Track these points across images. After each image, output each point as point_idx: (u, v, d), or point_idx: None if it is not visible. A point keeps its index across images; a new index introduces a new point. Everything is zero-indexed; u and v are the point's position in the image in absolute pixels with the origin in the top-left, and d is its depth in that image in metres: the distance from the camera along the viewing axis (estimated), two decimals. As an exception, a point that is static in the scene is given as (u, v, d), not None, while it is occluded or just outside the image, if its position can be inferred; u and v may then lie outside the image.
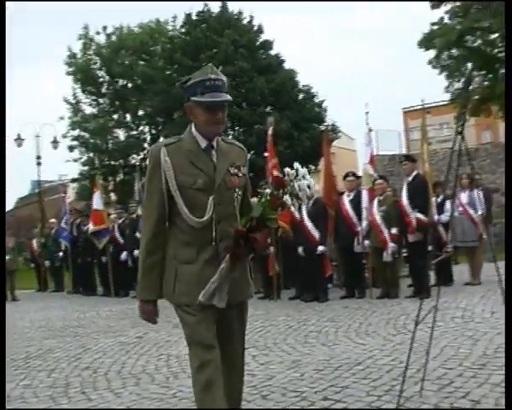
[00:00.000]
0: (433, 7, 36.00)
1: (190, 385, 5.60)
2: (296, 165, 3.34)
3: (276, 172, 11.14)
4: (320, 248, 10.65)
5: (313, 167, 31.52)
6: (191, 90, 3.29)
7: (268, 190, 3.37)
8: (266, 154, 12.00)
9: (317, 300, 10.65)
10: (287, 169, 3.36)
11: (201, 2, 35.27)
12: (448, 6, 35.66)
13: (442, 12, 35.85)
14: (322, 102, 32.96)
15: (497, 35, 35.93)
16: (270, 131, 11.62)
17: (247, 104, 30.78)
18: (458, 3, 35.21)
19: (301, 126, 30.18)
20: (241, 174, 3.48)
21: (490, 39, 36.27)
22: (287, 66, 32.87)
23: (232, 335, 3.50)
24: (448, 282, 10.95)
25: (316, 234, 10.68)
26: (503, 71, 35.66)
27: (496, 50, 36.82)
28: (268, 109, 31.10)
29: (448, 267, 11.27)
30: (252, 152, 29.94)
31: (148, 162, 3.44)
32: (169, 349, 7.50)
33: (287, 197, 3.30)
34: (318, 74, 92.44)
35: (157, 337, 8.34)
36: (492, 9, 33.20)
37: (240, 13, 33.45)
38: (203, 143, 3.37)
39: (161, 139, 34.42)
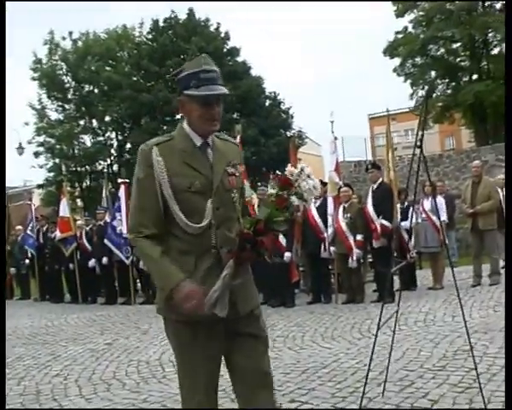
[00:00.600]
0: (397, 15, 36.62)
1: (161, 390, 5.81)
2: (301, 164, 3.10)
3: (245, 181, 11.25)
4: (287, 254, 10.81)
5: (280, 174, 31.82)
6: (184, 82, 2.99)
7: (273, 191, 3.07)
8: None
9: (283, 305, 10.82)
10: (290, 168, 3.09)
11: (168, 9, 35.43)
12: (412, 15, 36.32)
13: (406, 21, 36.52)
14: (289, 108, 33.31)
15: (459, 44, 36.70)
16: (237, 139, 11.76)
17: (215, 111, 30.93)
18: (422, 13, 35.87)
19: (268, 133, 30.48)
20: (238, 174, 3.15)
21: (453, 48, 37.01)
22: (254, 73, 33.21)
23: (251, 348, 3.07)
24: (412, 287, 11.22)
25: (283, 241, 10.86)
26: (466, 79, 36.44)
27: (458, 59, 37.58)
28: (235, 116, 31.32)
29: (412, 272, 11.55)
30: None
31: (137, 164, 3.04)
32: (138, 355, 7.62)
33: (293, 198, 3.03)
34: (285, 81, 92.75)
35: (126, 344, 8.45)
36: (455, 19, 33.89)
37: (207, 20, 33.72)
38: (198, 142, 3.05)
39: (128, 145, 34.45)
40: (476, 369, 4.46)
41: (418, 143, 4.61)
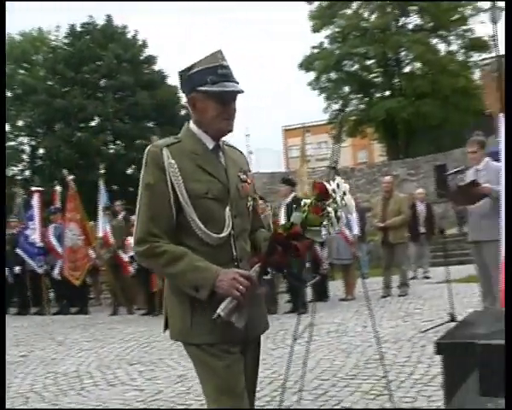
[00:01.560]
0: (314, 30, 37.39)
1: (81, 401, 5.80)
2: (338, 179, 2.78)
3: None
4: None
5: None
6: (198, 78, 2.71)
7: (307, 201, 2.76)
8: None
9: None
10: (324, 183, 2.77)
11: (86, 15, 35.00)
12: (328, 31, 37.19)
13: (322, 36, 37.35)
14: (204, 119, 33.30)
15: (373, 61, 37.82)
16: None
17: (130, 118, 30.74)
18: (338, 29, 36.78)
19: (183, 143, 30.41)
20: (249, 181, 2.93)
21: (366, 65, 38.12)
22: (170, 82, 33.13)
23: (252, 371, 2.90)
24: (324, 298, 11.51)
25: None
26: (379, 95, 37.53)
27: (372, 75, 38.70)
28: (151, 124, 31.19)
29: (324, 284, 11.84)
30: (133, 167, 29.95)
31: (145, 167, 2.71)
32: (55, 367, 7.56)
33: (330, 209, 2.72)
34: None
35: (43, 355, 8.36)
36: (369, 37, 34.92)
37: (124, 27, 33.42)
38: (210, 144, 2.80)
39: (41, 151, 33.67)
40: (387, 377, 4.71)
41: (333, 165, 4.81)
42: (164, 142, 2.75)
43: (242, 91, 2.77)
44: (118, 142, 31.14)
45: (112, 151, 30.00)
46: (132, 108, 30.27)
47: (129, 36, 33.30)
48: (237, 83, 2.76)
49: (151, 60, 33.14)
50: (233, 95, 2.76)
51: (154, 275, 11.54)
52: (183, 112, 32.91)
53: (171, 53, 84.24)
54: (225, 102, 2.73)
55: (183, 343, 2.73)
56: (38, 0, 52.59)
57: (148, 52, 33.30)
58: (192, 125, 2.82)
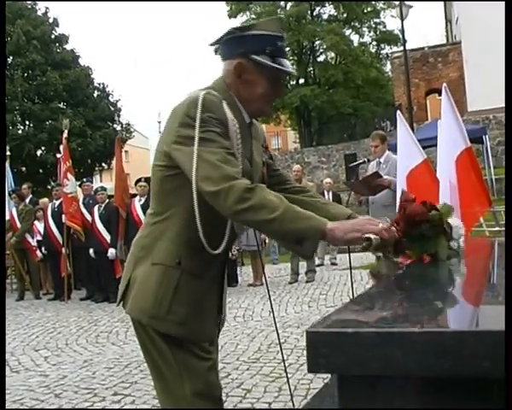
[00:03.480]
0: (230, 16, 37.53)
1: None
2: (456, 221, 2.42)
3: (70, 175, 11.24)
4: (111, 250, 10.87)
5: (106, 166, 31.61)
6: (254, 44, 2.28)
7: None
8: (59, 155, 11.98)
9: (107, 301, 10.87)
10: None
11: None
12: (244, 17, 37.39)
13: (239, 22, 37.46)
14: (118, 101, 32.96)
15: (288, 49, 38.22)
16: (65, 134, 11.65)
17: (39, 99, 29.99)
18: (254, 15, 37.02)
19: (95, 125, 29.96)
20: (264, 160, 2.55)
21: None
22: (82, 62, 32.48)
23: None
24: (233, 283, 11.70)
25: (107, 237, 10.92)
26: (293, 83, 38.04)
27: (285, 63, 39.17)
28: (61, 105, 30.51)
29: (233, 269, 12.04)
30: (43, 148, 29.28)
31: (199, 117, 2.15)
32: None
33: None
34: (115, 74, 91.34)
35: None
36: (285, 25, 35.29)
37: (34, 3, 32.44)
38: (247, 119, 2.39)
39: None
40: (284, 361, 4.90)
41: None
42: (216, 93, 2.26)
43: (295, 73, 2.30)
44: (26, 122, 30.32)
45: (20, 132, 29.21)
46: (42, 87, 29.49)
47: (39, 13, 32.36)
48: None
49: (63, 39, 32.27)
50: (286, 75, 2.45)
51: (63, 259, 11.46)
52: (95, 93, 32.39)
53: (84, 33, 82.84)
54: (276, 82, 2.36)
55: (147, 327, 2.30)
56: None
57: (59, 31, 32.51)
58: (228, 89, 2.35)
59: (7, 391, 5.50)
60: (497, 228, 7.63)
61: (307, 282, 11.41)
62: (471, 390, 1.12)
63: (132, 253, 2.42)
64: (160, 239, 2.31)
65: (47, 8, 32.54)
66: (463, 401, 1.14)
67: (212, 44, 2.50)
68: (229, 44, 2.33)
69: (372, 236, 2.04)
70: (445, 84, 5.92)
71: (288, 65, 2.35)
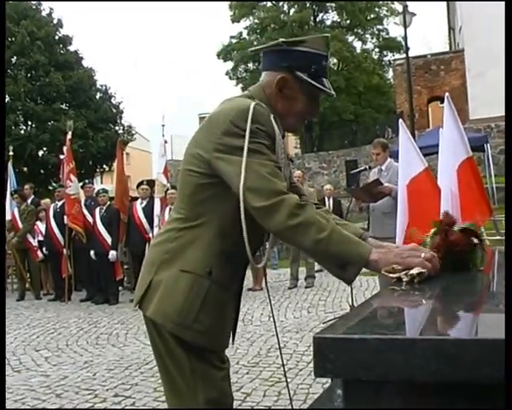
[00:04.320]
0: (233, 21, 37.63)
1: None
2: None
3: (73, 177, 11.28)
4: (112, 252, 10.90)
5: (107, 168, 31.68)
6: (301, 60, 2.28)
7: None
8: (62, 156, 12.02)
9: (107, 302, 10.92)
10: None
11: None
12: (248, 22, 37.51)
13: (242, 27, 37.66)
14: (120, 103, 33.03)
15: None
16: (68, 136, 11.70)
17: (42, 99, 30.05)
18: (257, 20, 37.15)
19: (97, 126, 30.04)
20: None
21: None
22: (86, 63, 32.55)
23: None
24: (233, 287, 11.74)
25: (108, 239, 10.96)
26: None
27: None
28: (64, 106, 30.57)
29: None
30: (45, 149, 29.33)
31: (249, 126, 2.13)
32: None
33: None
34: (117, 75, 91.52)
35: None
36: (288, 30, 35.41)
37: (39, 4, 32.50)
38: (281, 130, 2.34)
39: None
40: (283, 365, 4.95)
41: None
42: (265, 106, 2.25)
43: (334, 95, 2.46)
44: (29, 123, 30.36)
45: (22, 132, 29.25)
46: (45, 88, 29.56)
47: (43, 14, 32.42)
48: None
49: (66, 40, 32.31)
50: (323, 95, 2.42)
51: (64, 260, 11.50)
52: (98, 95, 32.45)
53: (88, 34, 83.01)
54: (314, 101, 2.38)
55: (162, 331, 2.27)
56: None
57: (63, 32, 32.57)
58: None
59: (8, 390, 5.54)
60: (497, 237, 7.65)
61: (306, 287, 11.47)
62: (471, 396, 1.17)
63: (153, 255, 2.37)
64: (191, 247, 2.27)
65: (51, 8, 32.62)
66: (464, 406, 1.18)
67: (253, 51, 2.49)
68: (275, 56, 2.33)
69: (415, 271, 2.00)
70: (447, 94, 5.95)
71: (329, 85, 2.37)
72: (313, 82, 2.28)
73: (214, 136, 2.19)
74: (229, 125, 2.16)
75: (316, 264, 13.54)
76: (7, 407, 5.04)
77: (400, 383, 1.21)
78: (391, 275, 2.12)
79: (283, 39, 2.32)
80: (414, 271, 2.01)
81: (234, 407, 4.63)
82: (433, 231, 2.39)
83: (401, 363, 1.17)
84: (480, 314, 1.58)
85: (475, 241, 2.40)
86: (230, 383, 2.42)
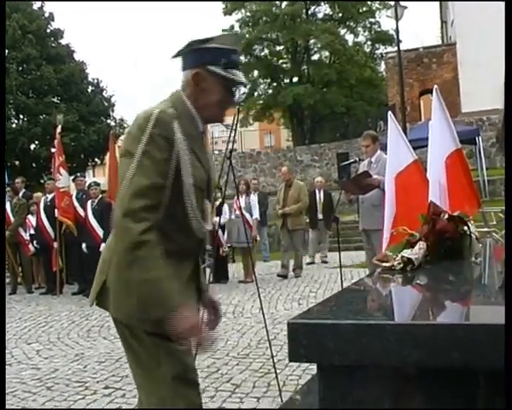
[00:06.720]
0: (225, 13, 37.52)
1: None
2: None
3: (62, 170, 11.27)
4: (103, 245, 10.87)
5: (99, 161, 31.63)
6: (211, 56, 2.48)
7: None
8: (53, 150, 12.00)
9: (100, 295, 10.89)
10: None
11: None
12: (239, 15, 37.41)
13: (233, 20, 37.55)
14: (111, 96, 32.97)
15: (282, 47, 38.36)
16: (58, 129, 11.67)
17: (34, 93, 29.97)
18: (249, 14, 37.06)
19: (88, 120, 30.00)
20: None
21: (276, 50, 38.60)
22: (77, 57, 32.46)
23: None
24: (223, 279, 11.77)
25: (100, 232, 10.95)
26: (287, 81, 38.13)
27: (281, 61, 39.24)
28: (55, 100, 30.50)
29: (224, 266, 12.11)
30: (36, 142, 29.26)
31: (150, 136, 2.31)
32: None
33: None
34: (109, 68, 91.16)
35: None
36: (280, 23, 35.38)
37: (30, -3, 32.35)
38: (200, 127, 2.56)
39: None
40: (273, 357, 4.99)
41: (228, 155, 5.03)
42: (171, 111, 2.41)
43: (247, 84, 2.54)
44: (20, 116, 30.27)
45: (14, 126, 29.17)
46: (37, 82, 29.49)
47: (34, 7, 32.30)
48: None
49: (58, 33, 32.22)
50: (238, 85, 2.58)
51: (54, 254, 11.50)
52: (89, 88, 32.38)
53: (79, 28, 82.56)
54: (229, 91, 2.55)
55: (133, 328, 2.40)
56: None
57: (54, 25, 32.45)
58: (187, 101, 2.51)
59: None
60: (485, 229, 7.70)
61: (296, 277, 11.58)
62: (445, 380, 1.19)
63: (106, 255, 2.56)
64: None
65: (43, 2, 32.49)
66: (437, 390, 1.21)
67: (174, 57, 2.61)
68: (188, 56, 2.53)
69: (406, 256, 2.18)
70: (436, 86, 5.98)
71: (240, 76, 2.53)
72: (224, 73, 2.47)
73: (124, 139, 2.45)
74: (131, 131, 2.40)
75: (306, 256, 13.66)
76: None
77: (376, 368, 1.24)
78: (384, 264, 2.18)
79: (194, 39, 2.51)
80: (405, 256, 2.10)
81: (223, 397, 4.68)
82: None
83: (376, 348, 1.19)
84: (461, 302, 1.61)
85: (465, 228, 2.46)
86: (193, 357, 2.54)
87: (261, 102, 38.20)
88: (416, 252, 2.26)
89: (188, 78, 2.51)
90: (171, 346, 2.34)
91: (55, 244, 11.43)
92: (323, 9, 38.56)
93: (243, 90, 38.41)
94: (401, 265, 2.14)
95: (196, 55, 2.50)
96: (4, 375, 5.67)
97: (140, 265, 2.23)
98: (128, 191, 2.26)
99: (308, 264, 13.76)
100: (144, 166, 2.28)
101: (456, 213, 2.72)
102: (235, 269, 13.17)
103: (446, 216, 2.66)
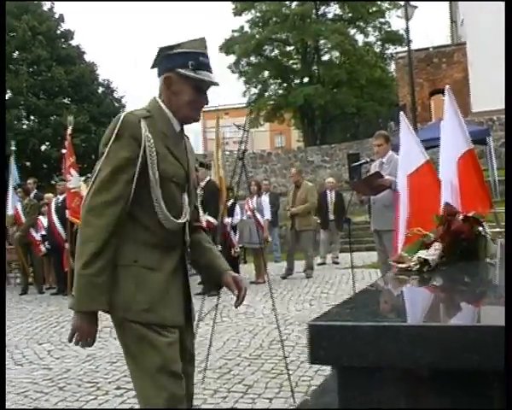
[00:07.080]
0: (235, 14, 37.54)
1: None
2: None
3: (73, 171, 11.28)
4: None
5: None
6: (179, 60, 2.66)
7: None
8: (64, 151, 12.01)
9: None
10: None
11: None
12: (249, 15, 37.42)
13: (243, 20, 37.56)
14: (122, 97, 33.06)
15: (292, 47, 38.35)
16: (69, 130, 11.67)
17: (44, 94, 30.07)
18: (259, 14, 37.06)
19: (99, 121, 30.04)
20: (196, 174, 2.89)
21: (286, 51, 38.63)
22: (87, 58, 32.58)
23: (186, 356, 2.78)
24: (235, 280, 11.76)
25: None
26: (297, 81, 38.10)
27: (291, 62, 39.23)
28: (66, 101, 30.59)
29: (235, 266, 12.09)
30: (47, 143, 29.36)
31: (117, 136, 2.55)
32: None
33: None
34: (119, 69, 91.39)
35: None
36: (290, 23, 35.35)
37: (40, -1, 32.46)
38: (177, 127, 2.75)
39: None
40: (285, 358, 4.98)
41: (240, 156, 5.03)
42: (140, 112, 2.64)
43: (218, 84, 2.77)
44: (31, 117, 30.38)
45: (25, 127, 29.28)
46: (47, 83, 29.61)
47: (45, 8, 32.41)
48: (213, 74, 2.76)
49: (68, 34, 32.34)
50: (209, 85, 2.75)
51: (66, 255, 11.52)
52: (100, 89, 32.48)
53: (89, 29, 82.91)
54: (200, 91, 2.72)
55: (121, 320, 2.60)
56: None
57: (64, 26, 32.56)
58: (162, 104, 2.71)
59: (11, 384, 5.58)
60: (497, 229, 7.67)
61: (307, 278, 11.58)
62: (461, 382, 1.18)
63: None
64: (123, 243, 2.62)
65: (53, 3, 32.62)
66: (454, 392, 1.20)
67: (152, 67, 2.78)
68: (160, 61, 2.73)
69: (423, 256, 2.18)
70: (447, 86, 5.96)
71: (210, 76, 2.71)
72: (192, 74, 2.64)
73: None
74: (105, 134, 2.61)
75: (318, 257, 13.66)
76: (10, 400, 5.07)
77: (391, 370, 1.23)
78: (400, 265, 2.19)
79: (161, 46, 2.72)
80: (422, 256, 2.11)
81: (235, 398, 4.68)
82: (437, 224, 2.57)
83: (393, 350, 1.18)
84: (474, 303, 1.60)
85: (480, 229, 2.47)
86: (178, 349, 2.65)
87: (272, 102, 38.18)
88: (433, 253, 2.28)
89: (161, 84, 2.73)
90: (155, 338, 2.56)
91: (67, 245, 11.45)
92: (333, 10, 38.53)
93: (254, 90, 38.67)
94: (417, 266, 2.16)
95: (167, 60, 2.69)
96: (4, 375, 5.69)
97: (79, 258, 2.55)
98: (92, 187, 2.54)
99: (319, 265, 13.75)
100: (108, 163, 2.53)
101: (471, 214, 2.72)
102: (247, 270, 13.15)
103: (461, 217, 2.67)
